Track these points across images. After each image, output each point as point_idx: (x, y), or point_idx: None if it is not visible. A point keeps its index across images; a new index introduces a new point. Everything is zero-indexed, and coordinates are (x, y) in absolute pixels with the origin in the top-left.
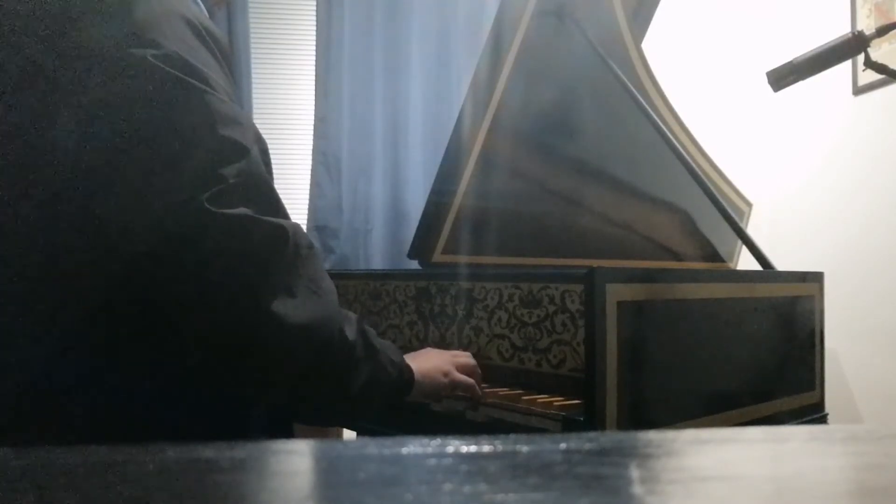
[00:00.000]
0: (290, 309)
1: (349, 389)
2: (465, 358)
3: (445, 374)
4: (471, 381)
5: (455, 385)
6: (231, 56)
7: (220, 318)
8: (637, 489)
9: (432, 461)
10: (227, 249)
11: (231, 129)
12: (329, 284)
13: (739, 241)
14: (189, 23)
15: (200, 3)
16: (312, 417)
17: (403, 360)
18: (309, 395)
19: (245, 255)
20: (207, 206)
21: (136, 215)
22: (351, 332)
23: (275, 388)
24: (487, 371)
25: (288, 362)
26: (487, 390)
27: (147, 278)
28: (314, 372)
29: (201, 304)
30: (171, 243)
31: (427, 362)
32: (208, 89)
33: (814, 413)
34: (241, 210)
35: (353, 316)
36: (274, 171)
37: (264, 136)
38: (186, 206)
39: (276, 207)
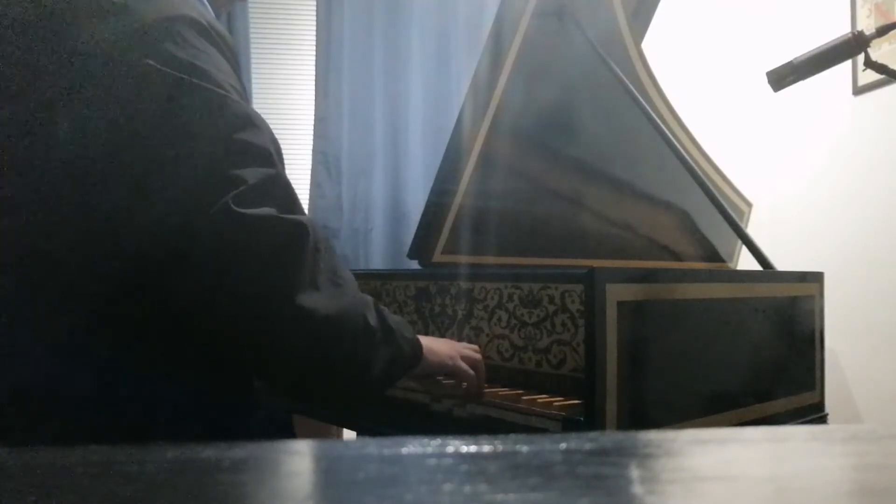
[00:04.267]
0: (317, 302)
1: (371, 371)
2: (471, 352)
3: (451, 358)
4: (472, 373)
5: (456, 370)
6: (238, 55)
7: (251, 315)
8: (637, 489)
9: (432, 461)
10: (255, 249)
11: (249, 130)
12: (348, 274)
13: (739, 241)
14: (197, 24)
15: (207, 4)
16: (333, 399)
17: (415, 336)
18: (334, 380)
19: (272, 253)
20: (233, 207)
21: (160, 218)
22: (372, 318)
23: (304, 377)
24: (487, 371)
25: (317, 353)
26: (487, 390)
27: (171, 279)
28: (341, 360)
29: (231, 303)
30: (198, 245)
31: (436, 344)
32: (223, 92)
33: (814, 413)
34: (265, 210)
35: (369, 299)
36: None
37: None
38: (213, 209)
39: (295, 204)
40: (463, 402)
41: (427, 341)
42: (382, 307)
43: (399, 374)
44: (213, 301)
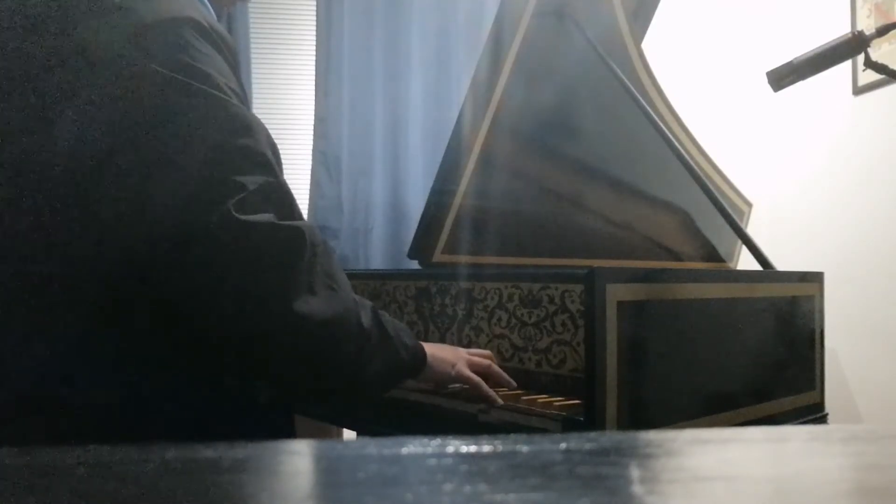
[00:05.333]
0: (312, 307)
1: (364, 375)
2: (480, 358)
3: (453, 366)
4: (476, 379)
5: (459, 378)
6: (238, 56)
7: (248, 320)
8: (637, 489)
9: (432, 461)
10: (254, 255)
11: (248, 136)
12: (343, 277)
13: (739, 241)
14: (198, 25)
15: (208, 4)
16: (324, 402)
17: (416, 343)
18: (325, 383)
19: (270, 259)
20: (234, 213)
21: (159, 221)
22: (367, 321)
23: (295, 380)
24: None
25: (310, 357)
26: None
27: (169, 283)
28: (333, 363)
29: (228, 308)
30: (197, 250)
31: (440, 351)
32: (223, 96)
33: (814, 413)
34: (264, 216)
35: (367, 303)
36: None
37: None
38: (213, 215)
39: (293, 210)
40: (480, 410)
41: (432, 349)
42: (382, 312)
43: (396, 379)
44: (211, 306)
